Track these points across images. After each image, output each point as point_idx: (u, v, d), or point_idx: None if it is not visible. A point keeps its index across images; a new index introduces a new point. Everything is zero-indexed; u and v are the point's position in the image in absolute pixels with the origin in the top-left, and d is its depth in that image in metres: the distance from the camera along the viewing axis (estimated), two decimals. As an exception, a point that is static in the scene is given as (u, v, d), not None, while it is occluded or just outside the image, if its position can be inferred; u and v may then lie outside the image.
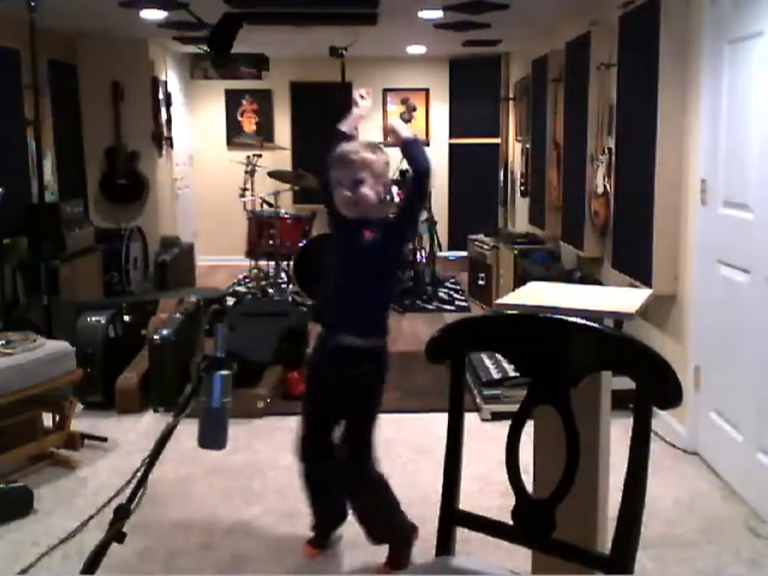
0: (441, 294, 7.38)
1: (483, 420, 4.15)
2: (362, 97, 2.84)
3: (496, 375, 4.35)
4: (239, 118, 9.26)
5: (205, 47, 6.12)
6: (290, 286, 7.14)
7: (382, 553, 2.78)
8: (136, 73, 7.36)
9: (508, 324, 1.72)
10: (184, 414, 1.74)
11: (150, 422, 4.19)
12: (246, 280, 8.00)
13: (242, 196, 7.40)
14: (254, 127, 9.25)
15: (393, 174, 7.35)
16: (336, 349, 2.66)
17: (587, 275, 5.18)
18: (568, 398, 1.52)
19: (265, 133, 9.12)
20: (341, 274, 2.70)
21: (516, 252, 6.11)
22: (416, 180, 2.65)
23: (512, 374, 4.25)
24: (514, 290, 2.59)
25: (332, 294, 2.75)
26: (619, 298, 2.34)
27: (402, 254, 2.68)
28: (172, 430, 1.76)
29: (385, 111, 9.28)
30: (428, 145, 9.09)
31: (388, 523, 2.78)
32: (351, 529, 2.85)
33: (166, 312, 4.74)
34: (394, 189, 7.17)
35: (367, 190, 2.58)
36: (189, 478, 3.51)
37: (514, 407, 1.62)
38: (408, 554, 2.77)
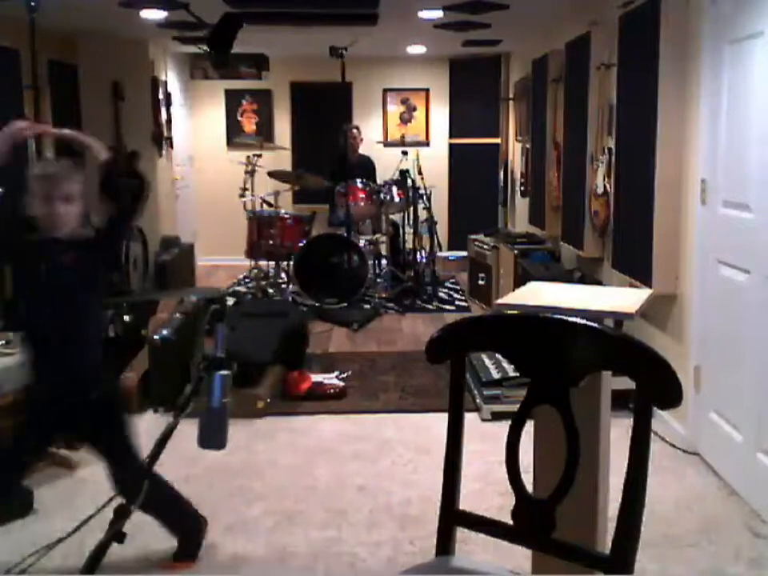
0: (441, 294, 7.37)
1: (483, 420, 4.15)
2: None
3: (496, 375, 4.35)
4: (239, 118, 9.26)
5: (205, 47, 6.11)
6: (290, 286, 7.14)
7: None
8: (136, 73, 7.35)
9: (508, 324, 1.72)
10: (184, 413, 1.75)
11: (150, 422, 4.19)
12: (246, 280, 8.00)
13: (242, 196, 7.39)
14: (253, 127, 9.24)
15: (393, 173, 7.37)
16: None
17: (587, 275, 5.18)
18: (568, 398, 1.52)
19: (265, 133, 9.10)
20: (45, 304, 2.57)
21: (516, 252, 6.10)
22: (123, 221, 2.71)
23: (512, 373, 4.25)
24: (513, 290, 2.59)
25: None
26: (619, 297, 2.33)
27: (102, 279, 2.70)
28: (172, 430, 1.76)
29: (385, 111, 9.27)
30: (428, 145, 9.10)
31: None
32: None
33: (166, 312, 4.74)
34: (394, 189, 7.17)
35: (77, 208, 2.56)
36: (189, 478, 3.51)
37: (514, 407, 1.62)
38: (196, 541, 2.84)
